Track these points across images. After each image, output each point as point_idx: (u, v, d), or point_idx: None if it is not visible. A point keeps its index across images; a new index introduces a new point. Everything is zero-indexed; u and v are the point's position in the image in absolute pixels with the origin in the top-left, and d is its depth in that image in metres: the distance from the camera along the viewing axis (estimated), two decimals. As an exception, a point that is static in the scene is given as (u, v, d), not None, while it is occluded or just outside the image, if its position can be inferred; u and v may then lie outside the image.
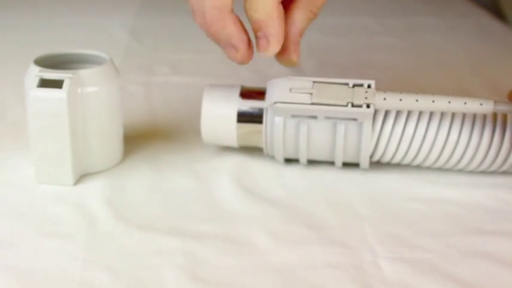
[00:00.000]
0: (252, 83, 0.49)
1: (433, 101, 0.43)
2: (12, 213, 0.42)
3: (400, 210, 0.43)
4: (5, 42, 0.74)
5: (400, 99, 0.43)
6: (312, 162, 0.47)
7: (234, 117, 0.46)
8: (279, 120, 0.45)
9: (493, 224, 0.42)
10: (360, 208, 0.43)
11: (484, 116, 0.44)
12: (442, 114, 0.44)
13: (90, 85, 0.44)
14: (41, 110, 0.43)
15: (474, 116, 0.44)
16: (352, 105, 0.43)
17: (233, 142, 0.47)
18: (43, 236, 0.40)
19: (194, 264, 0.38)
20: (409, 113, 0.44)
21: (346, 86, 0.44)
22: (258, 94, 0.46)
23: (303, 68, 0.67)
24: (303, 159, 0.46)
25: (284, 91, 0.44)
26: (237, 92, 0.47)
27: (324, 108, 0.44)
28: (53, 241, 0.39)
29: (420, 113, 0.44)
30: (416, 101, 0.43)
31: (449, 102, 0.43)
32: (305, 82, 0.44)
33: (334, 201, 0.44)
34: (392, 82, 0.64)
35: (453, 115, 0.44)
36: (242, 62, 0.43)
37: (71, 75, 0.43)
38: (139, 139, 0.51)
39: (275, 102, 0.44)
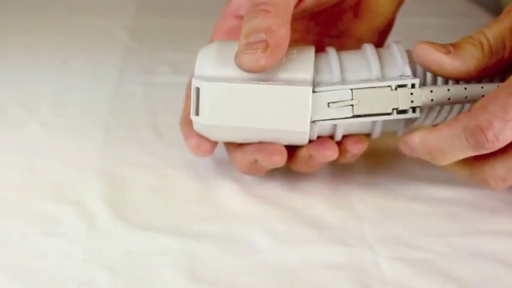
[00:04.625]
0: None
1: (482, 87, 0.39)
2: (11, 212, 0.42)
3: (400, 210, 0.43)
4: (5, 42, 0.74)
5: (449, 98, 0.39)
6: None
7: None
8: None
9: (493, 224, 0.42)
10: (360, 208, 0.43)
11: None
12: None
13: None
14: None
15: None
16: (398, 112, 0.40)
17: None
18: (43, 235, 0.40)
19: (194, 264, 0.37)
20: None
21: (388, 89, 0.39)
22: None
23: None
24: (339, 136, 0.42)
25: (322, 106, 0.40)
26: None
27: (368, 119, 0.40)
28: (53, 241, 0.39)
29: None
30: (466, 98, 0.39)
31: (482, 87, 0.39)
32: (343, 92, 0.40)
33: (334, 201, 0.44)
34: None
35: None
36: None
37: None
38: (139, 139, 0.51)
39: (313, 121, 0.40)
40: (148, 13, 0.84)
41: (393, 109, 0.40)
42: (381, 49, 0.42)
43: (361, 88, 0.40)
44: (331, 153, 0.41)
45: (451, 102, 0.39)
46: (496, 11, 0.85)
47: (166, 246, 0.39)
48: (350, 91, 0.40)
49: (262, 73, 0.39)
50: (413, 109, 0.40)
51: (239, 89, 0.39)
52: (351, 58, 0.42)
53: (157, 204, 0.43)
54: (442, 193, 0.44)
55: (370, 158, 0.47)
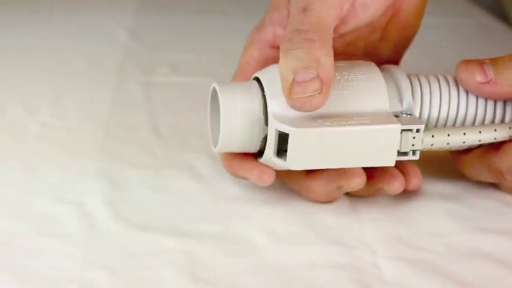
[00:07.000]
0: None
1: (480, 132, 0.40)
2: (11, 213, 0.42)
3: (400, 210, 0.43)
4: (4, 42, 0.74)
5: (448, 143, 0.40)
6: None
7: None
8: None
9: (493, 224, 0.42)
10: (359, 208, 0.43)
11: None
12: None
13: None
14: None
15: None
16: (398, 153, 0.39)
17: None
18: (42, 236, 0.40)
19: (193, 264, 0.37)
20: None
21: None
22: None
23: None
24: None
25: None
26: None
27: None
28: (53, 241, 0.39)
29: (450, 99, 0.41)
30: (463, 142, 0.40)
31: (495, 131, 0.41)
32: None
33: (334, 201, 0.44)
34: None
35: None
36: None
37: None
38: (139, 139, 0.51)
39: None
40: (148, 13, 0.84)
41: None
42: (384, 75, 0.41)
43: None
44: (360, 181, 0.41)
45: (449, 146, 0.41)
46: (496, 11, 0.85)
47: (166, 246, 0.39)
48: None
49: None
50: (414, 151, 0.40)
51: (329, 133, 0.38)
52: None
53: (157, 205, 0.43)
54: (442, 193, 0.44)
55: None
